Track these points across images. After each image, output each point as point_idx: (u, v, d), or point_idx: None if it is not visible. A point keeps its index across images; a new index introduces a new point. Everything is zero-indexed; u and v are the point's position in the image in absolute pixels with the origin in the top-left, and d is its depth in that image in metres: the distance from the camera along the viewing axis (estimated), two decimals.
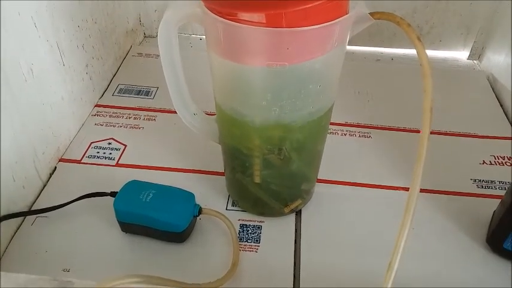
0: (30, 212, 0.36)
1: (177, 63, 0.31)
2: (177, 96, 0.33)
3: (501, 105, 0.50)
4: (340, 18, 0.24)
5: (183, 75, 0.32)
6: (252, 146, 0.31)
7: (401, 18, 0.24)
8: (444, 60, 0.59)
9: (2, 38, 0.32)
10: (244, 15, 0.24)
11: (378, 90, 0.52)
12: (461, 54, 0.60)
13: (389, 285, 0.21)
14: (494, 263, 0.34)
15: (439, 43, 0.59)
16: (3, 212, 0.34)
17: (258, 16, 0.24)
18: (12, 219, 0.34)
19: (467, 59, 0.59)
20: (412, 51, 0.23)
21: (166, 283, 0.28)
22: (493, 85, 0.53)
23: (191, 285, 0.30)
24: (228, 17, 0.24)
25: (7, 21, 0.33)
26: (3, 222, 0.33)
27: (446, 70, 0.57)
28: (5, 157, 0.33)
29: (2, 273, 0.23)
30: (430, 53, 0.60)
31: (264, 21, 0.24)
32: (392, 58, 0.59)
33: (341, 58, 0.29)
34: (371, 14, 0.26)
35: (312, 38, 0.25)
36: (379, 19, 0.26)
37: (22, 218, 0.36)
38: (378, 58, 0.59)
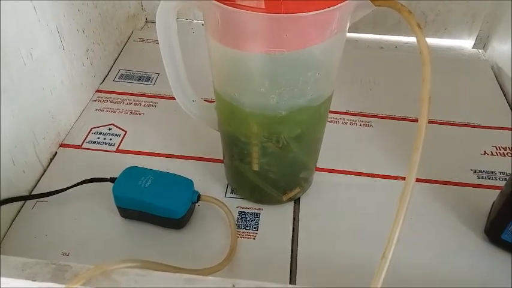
0: (31, 197, 0.36)
1: (176, 49, 0.30)
2: (176, 82, 0.32)
3: (505, 96, 0.50)
4: (340, 4, 0.24)
5: (182, 61, 0.31)
6: (250, 134, 0.31)
7: (402, 4, 0.24)
8: (449, 49, 0.59)
9: (1, 21, 0.32)
10: (243, 1, 0.23)
11: (381, 78, 0.52)
12: (466, 43, 0.59)
13: (382, 274, 0.21)
14: (492, 254, 0.34)
15: (444, 31, 0.58)
16: (4, 196, 0.34)
17: (256, 1, 0.23)
18: (12, 203, 0.35)
19: (472, 48, 0.59)
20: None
21: (164, 268, 0.29)
22: (498, 75, 0.53)
23: (189, 271, 0.30)
24: (226, 2, 0.24)
25: (6, 4, 0.32)
26: (4, 206, 0.34)
27: (450, 59, 0.56)
28: (5, 141, 0.33)
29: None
30: (435, 41, 0.59)
31: (263, 7, 0.23)
32: (396, 46, 0.59)
33: (341, 45, 0.29)
34: (372, 0, 0.25)
35: (310, 25, 0.25)
36: (379, 6, 0.25)
37: (22, 202, 0.36)
38: (382, 46, 0.59)
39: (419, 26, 0.23)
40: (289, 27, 0.24)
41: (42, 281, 0.22)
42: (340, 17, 0.25)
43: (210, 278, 0.22)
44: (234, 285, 0.22)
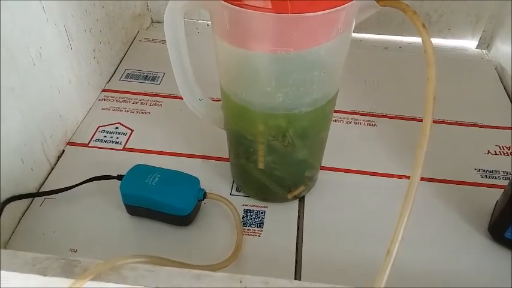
0: (39, 194, 0.37)
1: (183, 49, 0.31)
2: (183, 81, 0.33)
3: (508, 96, 0.50)
4: (346, 5, 0.24)
5: (189, 61, 0.32)
6: (256, 132, 0.31)
7: (407, 5, 0.24)
8: (453, 49, 0.59)
9: (11, 21, 0.33)
10: (250, 1, 0.24)
11: (385, 78, 0.52)
12: (470, 43, 0.59)
13: (387, 271, 0.21)
14: (495, 252, 0.34)
15: (447, 32, 0.59)
16: (13, 193, 0.34)
17: (263, 1, 0.24)
18: (20, 201, 0.35)
19: (476, 48, 0.59)
20: (420, 40, 0.23)
21: (171, 264, 0.29)
22: (501, 75, 0.53)
23: (196, 267, 0.30)
24: (233, 2, 0.24)
25: (15, 4, 0.33)
26: (12, 203, 0.34)
27: (454, 59, 0.56)
28: (13, 140, 0.34)
29: (10, 251, 0.23)
30: (439, 41, 0.59)
31: (270, 7, 0.24)
32: (400, 46, 0.59)
33: (346, 45, 0.29)
34: (377, 0, 0.26)
35: (317, 25, 0.25)
36: (385, 6, 0.25)
37: (30, 199, 0.37)
38: (386, 46, 0.59)
39: (424, 26, 0.23)
40: (296, 27, 0.25)
41: (53, 275, 0.23)
42: (346, 17, 0.25)
43: (217, 274, 0.23)
44: (241, 281, 0.23)
